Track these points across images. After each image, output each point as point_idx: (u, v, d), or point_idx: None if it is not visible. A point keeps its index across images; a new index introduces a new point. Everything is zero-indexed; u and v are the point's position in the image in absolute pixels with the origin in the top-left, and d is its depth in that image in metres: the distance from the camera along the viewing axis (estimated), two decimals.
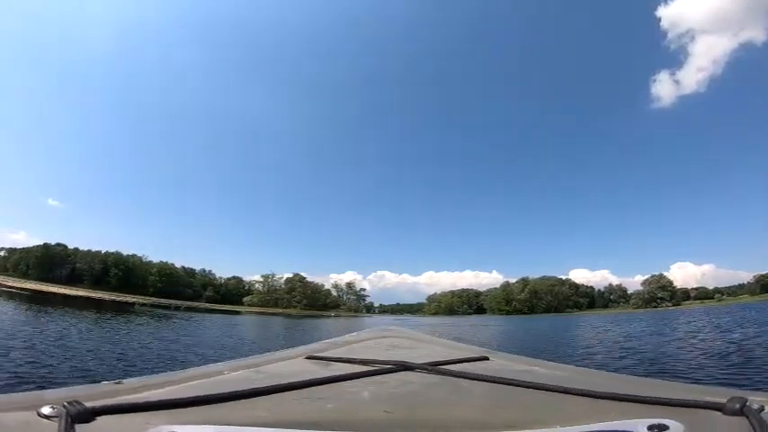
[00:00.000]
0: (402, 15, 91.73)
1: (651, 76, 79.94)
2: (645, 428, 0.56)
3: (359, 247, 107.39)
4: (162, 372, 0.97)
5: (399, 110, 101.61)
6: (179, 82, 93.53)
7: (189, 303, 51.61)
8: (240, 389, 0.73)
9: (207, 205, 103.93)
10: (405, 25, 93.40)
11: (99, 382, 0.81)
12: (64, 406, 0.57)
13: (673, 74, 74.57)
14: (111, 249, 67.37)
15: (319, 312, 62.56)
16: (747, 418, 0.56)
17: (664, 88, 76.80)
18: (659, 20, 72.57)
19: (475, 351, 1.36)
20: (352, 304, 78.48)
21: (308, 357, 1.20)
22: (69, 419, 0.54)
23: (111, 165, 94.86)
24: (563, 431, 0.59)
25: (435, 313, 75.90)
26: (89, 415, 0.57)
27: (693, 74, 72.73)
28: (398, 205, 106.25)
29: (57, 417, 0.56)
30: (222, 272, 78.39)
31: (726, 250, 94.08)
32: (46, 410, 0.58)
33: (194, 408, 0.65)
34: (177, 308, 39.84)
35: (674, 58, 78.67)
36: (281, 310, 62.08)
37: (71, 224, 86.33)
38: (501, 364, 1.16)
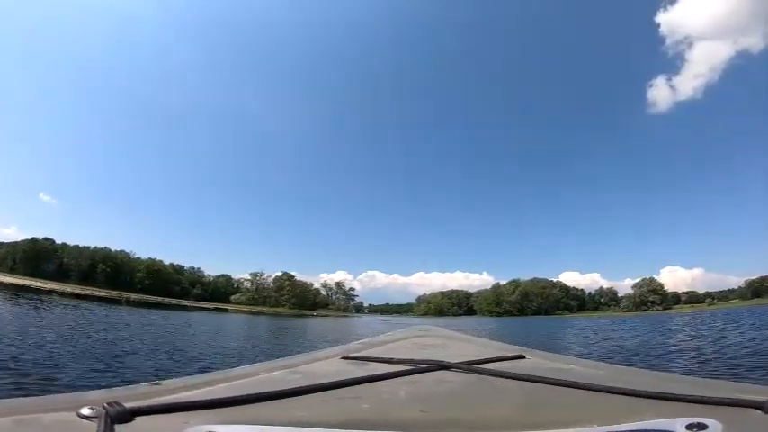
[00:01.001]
0: (402, 17, 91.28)
1: (648, 82, 79.58)
2: (683, 427, 0.55)
3: (350, 247, 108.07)
4: (200, 373, 0.97)
5: (394, 111, 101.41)
6: (173, 80, 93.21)
7: (142, 297, 50.15)
8: (277, 389, 0.73)
9: (200, 203, 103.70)
10: (404, 27, 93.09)
11: (138, 383, 0.82)
12: (103, 407, 0.58)
13: (669, 79, 74.59)
14: (101, 245, 66.96)
15: (303, 312, 62.13)
16: None
17: (660, 94, 76.70)
18: (658, 25, 72.70)
19: (510, 349, 1.34)
20: (340, 304, 78.13)
21: (344, 357, 1.21)
22: (109, 420, 0.55)
23: (105, 162, 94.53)
24: (600, 430, 0.58)
25: (425, 314, 75.44)
26: (128, 415, 0.58)
27: (690, 80, 72.68)
28: (390, 206, 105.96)
29: (96, 417, 0.57)
30: (212, 270, 78.11)
31: (715, 255, 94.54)
32: (85, 411, 0.59)
33: (231, 408, 0.66)
34: (129, 301, 37.22)
35: (672, 64, 78.77)
36: (268, 309, 61.72)
37: (63, 220, 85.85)
38: (537, 362, 1.15)
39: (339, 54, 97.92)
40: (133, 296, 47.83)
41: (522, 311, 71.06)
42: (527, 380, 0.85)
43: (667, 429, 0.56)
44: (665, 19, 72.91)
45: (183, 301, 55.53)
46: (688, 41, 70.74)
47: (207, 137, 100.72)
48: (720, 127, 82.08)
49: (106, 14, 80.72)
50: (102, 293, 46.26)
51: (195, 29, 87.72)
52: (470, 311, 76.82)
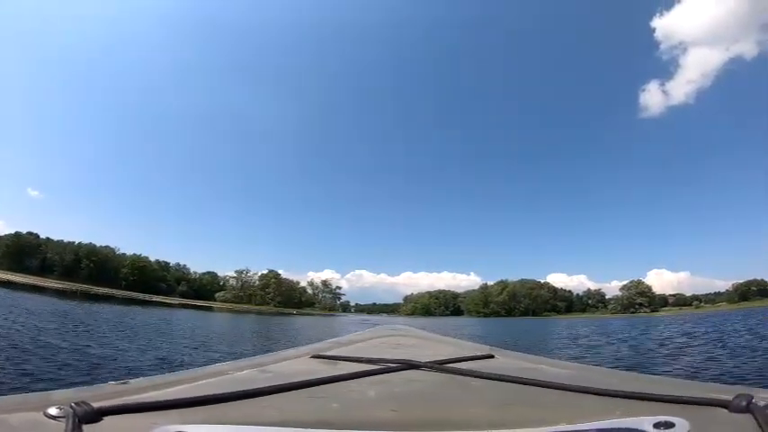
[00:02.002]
0: (400, 17, 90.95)
1: (641, 86, 79.93)
2: (651, 426, 0.56)
3: (338, 246, 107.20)
4: (168, 372, 0.98)
5: (385, 111, 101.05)
6: (165, 80, 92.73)
7: (109, 291, 48.97)
8: (246, 388, 0.73)
9: (191, 202, 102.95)
10: (401, 28, 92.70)
11: (105, 382, 0.81)
12: (71, 406, 0.57)
13: (662, 84, 74.62)
14: (86, 241, 66.34)
15: (282, 310, 61.37)
16: (753, 415, 0.55)
17: (652, 98, 76.86)
18: (653, 30, 72.65)
19: (480, 349, 1.36)
20: (327, 303, 77.79)
21: (313, 356, 1.20)
22: (76, 420, 0.54)
23: (94, 158, 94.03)
24: (570, 428, 0.59)
25: (411, 314, 75.32)
26: (96, 415, 0.57)
27: (683, 85, 72.87)
28: (379, 206, 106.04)
29: (63, 417, 0.56)
30: (199, 267, 77.48)
31: (701, 259, 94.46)
32: (53, 411, 0.58)
33: (200, 407, 0.65)
34: (81, 293, 35.28)
35: (665, 69, 78.75)
36: (253, 307, 61.26)
37: (50, 215, 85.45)
38: (507, 362, 1.16)
39: (333, 54, 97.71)
40: (101, 290, 46.92)
41: (509, 312, 70.86)
42: (497, 379, 0.86)
43: (636, 428, 0.57)
44: (661, 24, 73.20)
45: (156, 297, 54.35)
46: (682, 47, 71.06)
47: (197, 134, 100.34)
48: (710, 132, 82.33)
49: (96, 11, 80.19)
50: (58, 285, 45.20)
51: (186, 28, 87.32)
52: (458, 312, 76.64)
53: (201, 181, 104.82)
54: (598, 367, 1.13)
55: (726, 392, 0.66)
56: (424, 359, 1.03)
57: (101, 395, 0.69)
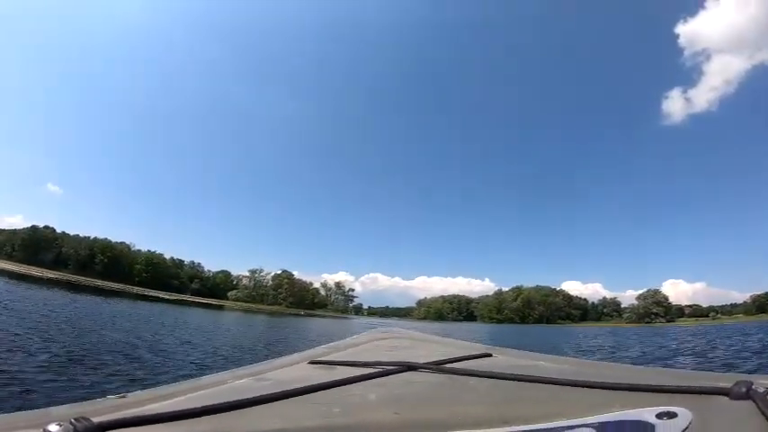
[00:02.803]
0: (407, 18, 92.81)
1: (664, 93, 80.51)
2: (653, 416, 0.56)
3: (352, 248, 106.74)
4: (166, 383, 0.97)
5: (400, 112, 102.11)
6: (181, 77, 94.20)
7: (106, 284, 47.89)
8: (245, 397, 0.72)
9: (208, 199, 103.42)
10: (409, 28, 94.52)
11: (104, 397, 0.80)
12: (71, 423, 0.57)
13: (685, 91, 74.46)
14: (101, 236, 66.48)
15: (290, 311, 60.48)
16: (754, 401, 0.56)
17: (675, 105, 76.75)
18: (677, 36, 72.85)
19: (477, 348, 1.35)
20: (339, 305, 77.15)
21: (311, 362, 1.19)
22: None
23: (114, 154, 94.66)
24: (572, 423, 0.59)
25: (424, 318, 74.45)
26: (96, 430, 0.57)
27: (705, 93, 72.67)
28: (395, 209, 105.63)
29: None
30: (216, 266, 77.09)
31: (718, 270, 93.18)
32: (53, 428, 0.58)
33: (200, 418, 0.65)
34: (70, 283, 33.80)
35: (688, 76, 79.89)
36: (265, 307, 60.79)
37: (69, 210, 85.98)
38: (504, 360, 1.16)
39: (347, 57, 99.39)
40: (98, 282, 46.18)
41: (523, 319, 69.94)
42: (496, 377, 0.86)
43: (638, 419, 0.58)
44: (685, 30, 73.57)
45: (161, 294, 53.55)
46: (706, 54, 71.10)
47: (219, 135, 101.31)
48: (732, 141, 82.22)
49: (116, 12, 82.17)
50: (51, 275, 44.73)
51: (203, 27, 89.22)
52: (471, 317, 75.64)
53: (219, 182, 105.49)
54: (595, 361, 1.13)
55: (725, 380, 0.66)
56: (421, 360, 1.04)
57: (100, 410, 0.69)
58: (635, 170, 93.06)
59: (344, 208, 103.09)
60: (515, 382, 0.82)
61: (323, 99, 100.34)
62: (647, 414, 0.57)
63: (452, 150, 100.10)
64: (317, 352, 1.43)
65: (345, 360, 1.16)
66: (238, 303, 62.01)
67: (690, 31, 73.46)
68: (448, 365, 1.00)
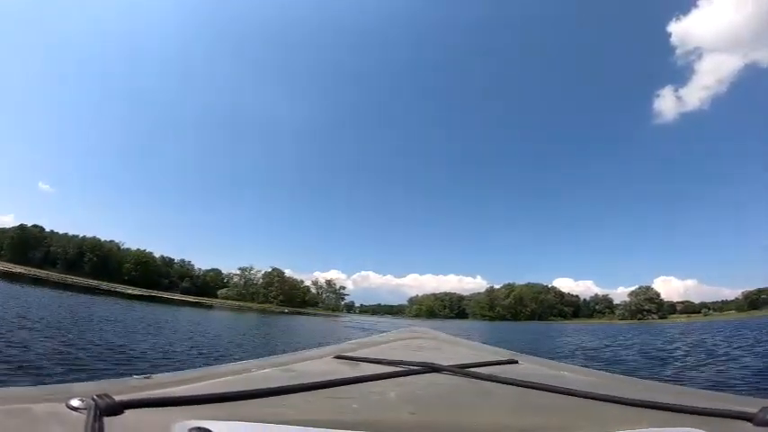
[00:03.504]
0: (410, 17, 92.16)
1: (655, 91, 78.63)
2: None
3: (344, 247, 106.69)
4: (190, 368, 0.98)
5: (393, 111, 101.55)
6: (173, 75, 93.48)
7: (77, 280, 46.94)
8: (267, 386, 0.73)
9: (200, 199, 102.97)
10: (409, 28, 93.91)
11: (129, 376, 0.81)
12: (93, 399, 0.58)
13: (676, 90, 73.63)
14: (90, 235, 66.09)
15: (270, 308, 59.46)
16: None
17: (666, 104, 76.03)
18: (669, 35, 72.02)
19: (503, 354, 1.36)
20: (330, 303, 76.80)
21: (336, 357, 1.20)
22: (98, 412, 0.55)
23: (105, 153, 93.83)
24: None
25: (416, 316, 74.05)
26: (117, 408, 0.58)
27: (697, 91, 71.68)
28: (385, 208, 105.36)
29: (85, 409, 0.57)
30: (207, 264, 76.69)
31: (708, 267, 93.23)
32: (75, 403, 0.59)
33: (221, 404, 0.66)
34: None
35: (680, 75, 79.25)
36: (255, 305, 60.44)
37: (60, 209, 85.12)
38: (529, 367, 1.15)
39: (341, 55, 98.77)
40: (70, 278, 45.25)
41: (515, 316, 69.84)
42: (518, 385, 0.84)
43: None
44: (677, 29, 73.18)
45: (135, 290, 52.33)
46: (698, 52, 70.12)
47: (208, 133, 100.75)
48: (723, 140, 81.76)
49: (110, 7, 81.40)
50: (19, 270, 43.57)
51: (200, 23, 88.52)
52: (462, 315, 75.47)
53: (212, 181, 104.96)
54: (621, 376, 1.14)
55: (751, 405, 0.65)
56: (446, 362, 1.03)
57: (123, 389, 0.70)
58: (625, 168, 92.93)
59: (336, 207, 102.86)
60: (539, 391, 0.81)
61: (316, 99, 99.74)
62: None
63: (443, 149, 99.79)
64: (344, 347, 1.45)
65: (370, 357, 1.16)
66: (228, 302, 61.66)
67: (682, 29, 73.02)
68: (471, 369, 0.98)
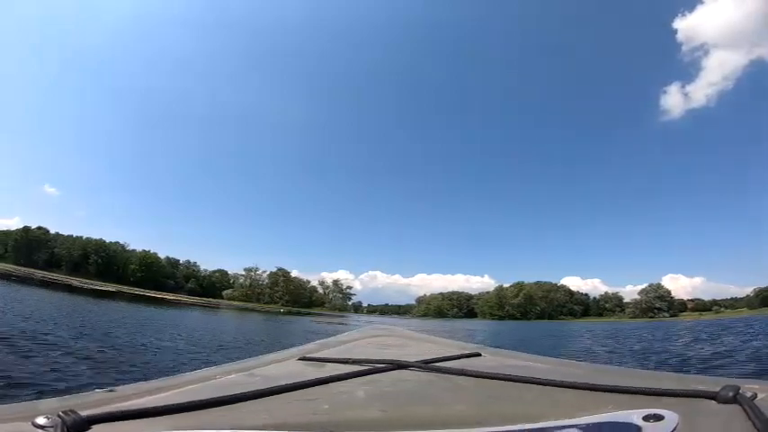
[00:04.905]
0: (404, 17, 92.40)
1: (662, 88, 78.89)
2: (640, 419, 0.57)
3: (352, 247, 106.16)
4: (154, 378, 0.97)
5: (400, 110, 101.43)
6: (180, 77, 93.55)
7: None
8: (234, 392, 0.73)
9: (207, 200, 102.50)
10: (406, 27, 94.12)
11: (92, 390, 0.80)
12: (59, 415, 0.57)
13: (683, 87, 73.52)
14: (97, 236, 65.57)
15: (252, 307, 58.27)
16: (741, 405, 0.56)
17: (673, 101, 75.87)
18: (675, 32, 71.95)
19: (467, 348, 1.38)
20: (337, 303, 75.94)
21: (300, 359, 1.20)
22: (65, 429, 0.54)
23: (110, 155, 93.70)
24: (558, 424, 0.60)
25: (424, 315, 73.44)
26: (84, 424, 0.57)
27: (704, 88, 71.47)
28: (393, 207, 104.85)
29: (52, 427, 0.56)
30: (213, 266, 76.02)
31: (716, 265, 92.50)
32: (41, 420, 0.58)
33: (189, 413, 0.65)
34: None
35: (686, 72, 78.80)
36: (260, 306, 59.72)
37: (66, 212, 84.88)
38: (494, 360, 1.17)
39: (342, 55, 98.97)
40: (75, 281, 44.07)
41: (524, 315, 69.01)
42: (484, 377, 0.86)
43: (625, 421, 0.58)
44: (683, 25, 72.38)
45: (135, 290, 51.22)
46: (704, 49, 69.97)
47: (216, 134, 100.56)
48: (730, 136, 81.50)
49: (112, 10, 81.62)
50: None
51: (204, 26, 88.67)
52: (471, 314, 74.58)
53: (218, 183, 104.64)
54: (585, 363, 1.14)
55: (713, 384, 0.67)
56: (411, 359, 1.04)
57: (88, 403, 0.69)
58: (632, 165, 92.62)
59: (344, 207, 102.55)
60: (504, 381, 0.83)
61: (320, 99, 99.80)
62: (635, 416, 0.58)
63: (450, 148, 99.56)
64: (308, 348, 1.44)
65: (335, 357, 1.16)
66: (233, 302, 60.90)
67: (688, 25, 72.62)
68: (437, 364, 1.00)
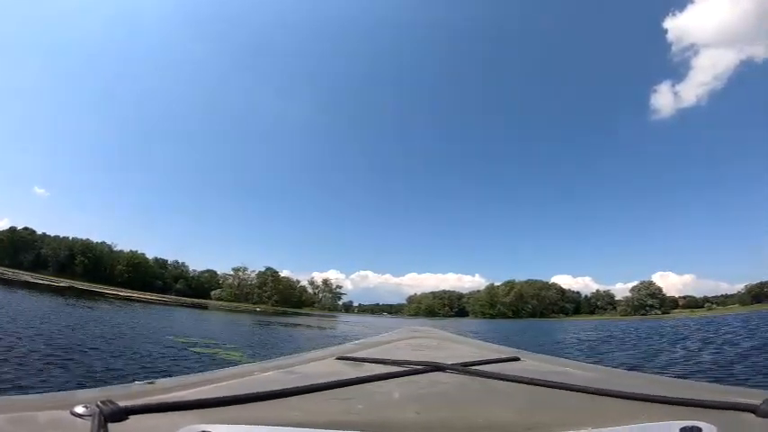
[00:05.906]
0: (405, 17, 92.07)
1: (652, 88, 79.25)
2: (677, 430, 0.55)
3: (343, 247, 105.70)
4: (194, 372, 0.98)
5: (392, 111, 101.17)
6: (171, 77, 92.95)
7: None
8: (271, 389, 0.73)
9: (196, 201, 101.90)
10: (406, 27, 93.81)
11: (132, 382, 0.82)
12: (97, 405, 0.58)
13: (673, 86, 73.68)
14: (86, 237, 64.97)
15: (238, 306, 57.41)
16: None
17: (663, 100, 76.17)
18: (665, 31, 72.10)
19: (505, 351, 1.37)
20: (326, 303, 75.48)
21: (338, 358, 1.21)
22: (102, 418, 0.55)
23: (101, 155, 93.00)
24: None
25: (415, 314, 72.90)
26: (122, 414, 0.58)
27: (694, 87, 71.95)
28: (383, 206, 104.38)
29: (90, 415, 0.57)
30: (203, 266, 75.48)
31: (705, 261, 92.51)
32: (79, 409, 0.59)
33: (225, 407, 0.66)
34: None
35: (676, 71, 78.57)
36: (247, 306, 59.10)
37: (56, 213, 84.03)
38: (532, 364, 1.16)
39: (338, 55, 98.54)
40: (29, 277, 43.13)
41: (516, 314, 68.65)
42: (522, 382, 0.85)
43: None
44: (673, 25, 72.45)
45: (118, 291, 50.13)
46: (694, 48, 70.13)
47: (206, 135, 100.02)
48: (720, 135, 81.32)
49: (104, 8, 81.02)
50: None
51: (199, 25, 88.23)
52: (462, 313, 74.27)
53: (210, 183, 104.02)
54: (623, 370, 1.14)
55: (753, 396, 0.64)
56: (449, 361, 1.03)
57: (127, 394, 0.70)
58: (622, 164, 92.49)
59: (334, 207, 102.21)
60: (542, 387, 0.81)
61: (313, 98, 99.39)
62: (672, 428, 0.56)
63: (439, 148, 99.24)
64: (346, 348, 1.46)
65: (373, 357, 1.16)
66: (220, 303, 60.26)
67: (678, 25, 72.83)
68: (475, 367, 0.99)
